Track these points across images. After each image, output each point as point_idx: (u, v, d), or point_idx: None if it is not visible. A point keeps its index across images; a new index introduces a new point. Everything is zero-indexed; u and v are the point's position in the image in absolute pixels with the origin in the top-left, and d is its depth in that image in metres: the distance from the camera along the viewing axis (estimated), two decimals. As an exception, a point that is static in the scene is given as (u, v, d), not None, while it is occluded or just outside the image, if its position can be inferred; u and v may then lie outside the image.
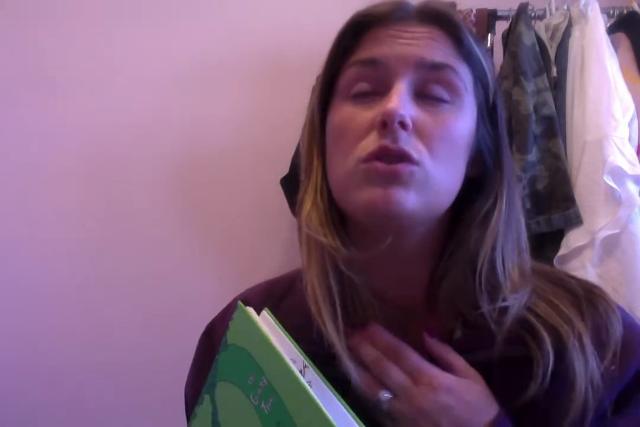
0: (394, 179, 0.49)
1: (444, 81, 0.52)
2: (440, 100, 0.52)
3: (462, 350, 0.54)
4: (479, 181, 0.57)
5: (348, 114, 0.53)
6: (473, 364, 0.53)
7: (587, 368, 0.52)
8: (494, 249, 0.54)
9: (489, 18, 1.49)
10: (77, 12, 1.77)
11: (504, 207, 0.55)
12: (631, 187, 1.31)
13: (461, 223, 0.56)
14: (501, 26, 1.51)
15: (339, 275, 0.54)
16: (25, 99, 1.80)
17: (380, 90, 0.52)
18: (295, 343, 0.50)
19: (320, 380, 0.48)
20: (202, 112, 1.78)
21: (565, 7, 1.44)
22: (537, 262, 0.62)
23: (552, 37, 1.44)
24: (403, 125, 0.49)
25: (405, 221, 0.51)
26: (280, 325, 0.52)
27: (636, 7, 1.44)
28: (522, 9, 1.44)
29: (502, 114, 0.57)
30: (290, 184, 1.62)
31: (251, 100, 1.78)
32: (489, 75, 0.55)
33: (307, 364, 0.48)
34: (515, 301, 0.53)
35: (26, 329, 1.84)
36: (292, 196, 1.63)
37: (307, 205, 0.56)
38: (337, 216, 0.56)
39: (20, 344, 1.85)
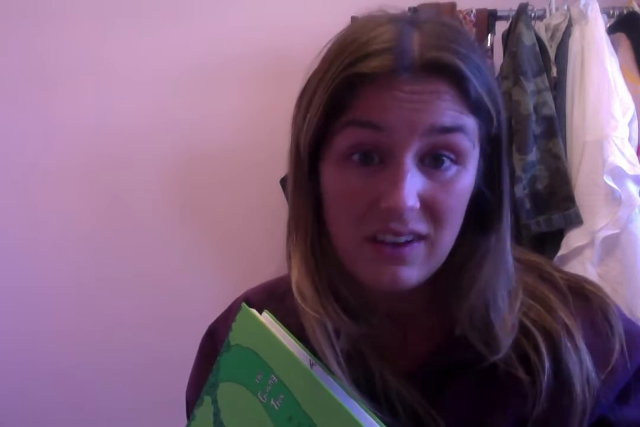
0: (399, 262, 0.49)
1: (453, 145, 0.48)
2: (447, 163, 0.48)
3: (460, 347, 0.55)
4: (476, 201, 0.55)
5: (347, 182, 0.49)
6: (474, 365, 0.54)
7: (581, 367, 0.52)
8: (485, 287, 0.53)
9: (489, 18, 1.49)
10: (77, 12, 1.77)
11: (500, 245, 0.54)
12: (631, 187, 1.31)
13: (460, 249, 0.54)
14: (501, 26, 1.51)
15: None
16: (26, 99, 1.80)
17: (383, 154, 0.48)
18: (298, 342, 0.51)
19: (328, 375, 0.49)
20: (202, 112, 1.78)
21: (565, 7, 1.44)
22: (529, 252, 0.62)
23: (552, 37, 1.44)
24: (411, 210, 0.47)
25: (410, 288, 0.52)
26: (282, 325, 0.53)
27: (636, 7, 1.45)
28: (522, 9, 1.43)
29: (503, 142, 0.53)
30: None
31: (251, 101, 1.78)
32: (494, 113, 0.50)
33: (313, 361, 0.49)
34: (507, 341, 0.52)
35: (26, 330, 1.85)
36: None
37: (297, 263, 0.54)
38: (333, 270, 0.54)
39: (20, 345, 1.85)
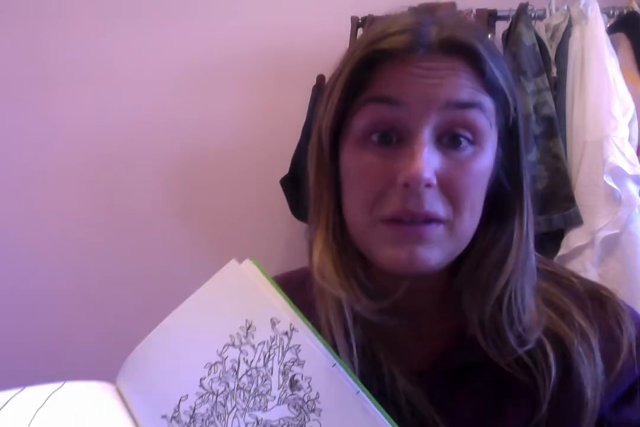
0: (417, 240, 0.48)
1: (470, 122, 0.48)
2: (464, 143, 0.49)
3: (472, 348, 0.54)
4: (498, 193, 0.54)
5: (366, 161, 0.50)
6: (478, 364, 0.54)
7: (594, 372, 0.52)
8: (507, 284, 0.52)
9: (489, 18, 1.48)
10: (77, 12, 1.77)
11: (522, 244, 0.53)
12: (631, 187, 1.31)
13: (478, 243, 0.53)
14: (501, 26, 1.51)
15: (354, 312, 0.54)
16: (26, 99, 1.80)
17: (401, 132, 0.49)
18: (285, 297, 0.50)
19: (314, 336, 0.48)
20: (202, 112, 1.78)
21: (565, 7, 1.44)
22: (544, 258, 0.61)
23: (552, 37, 1.44)
24: (428, 185, 0.47)
25: (428, 272, 0.51)
26: (269, 277, 0.53)
27: (636, 7, 1.44)
28: (522, 9, 1.43)
29: (521, 133, 0.53)
30: (291, 184, 1.62)
31: (251, 101, 1.78)
32: (510, 99, 0.51)
33: (295, 326, 0.48)
34: (532, 341, 0.52)
35: (26, 330, 1.84)
36: (292, 196, 1.63)
37: (319, 247, 0.54)
38: (353, 256, 0.54)
39: (20, 345, 1.85)
